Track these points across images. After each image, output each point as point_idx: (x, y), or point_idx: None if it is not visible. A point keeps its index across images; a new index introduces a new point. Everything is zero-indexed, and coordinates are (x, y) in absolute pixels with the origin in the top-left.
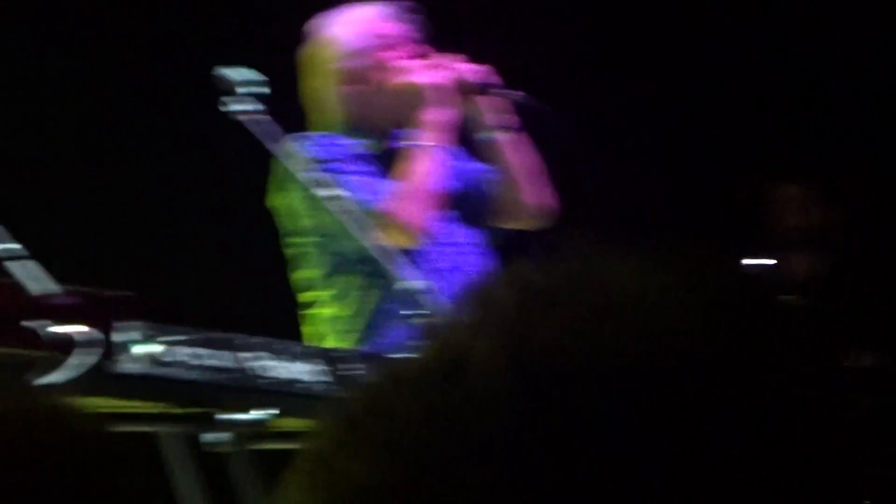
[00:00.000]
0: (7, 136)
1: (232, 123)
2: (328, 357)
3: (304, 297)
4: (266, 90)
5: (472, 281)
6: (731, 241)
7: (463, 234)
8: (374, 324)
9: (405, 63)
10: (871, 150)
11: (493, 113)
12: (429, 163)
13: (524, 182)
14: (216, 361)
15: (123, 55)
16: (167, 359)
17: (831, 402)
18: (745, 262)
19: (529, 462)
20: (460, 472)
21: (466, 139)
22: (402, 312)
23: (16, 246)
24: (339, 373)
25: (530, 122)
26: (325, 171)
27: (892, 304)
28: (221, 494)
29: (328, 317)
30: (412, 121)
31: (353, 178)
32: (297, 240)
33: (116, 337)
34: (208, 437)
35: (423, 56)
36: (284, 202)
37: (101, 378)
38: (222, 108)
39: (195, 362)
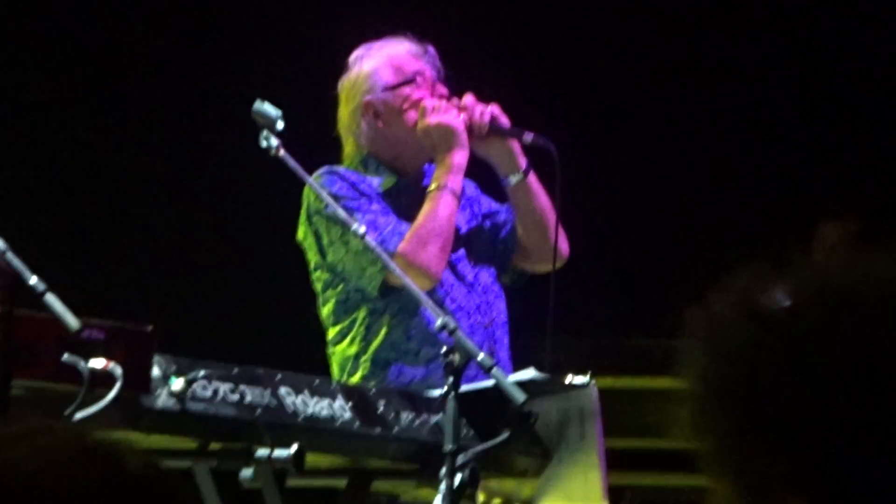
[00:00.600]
0: (22, 168)
1: (266, 157)
2: (360, 394)
3: (327, 333)
4: (283, 125)
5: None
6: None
7: (477, 273)
8: (381, 362)
9: (430, 102)
10: None
11: (517, 155)
12: (448, 206)
13: (550, 225)
14: (253, 397)
15: (151, 84)
16: (205, 394)
17: None
18: None
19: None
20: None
21: (488, 179)
22: (414, 350)
23: (39, 281)
24: (371, 410)
25: (539, 163)
26: (346, 206)
27: None
28: None
29: (338, 354)
30: (434, 160)
31: (372, 216)
32: (318, 275)
33: (154, 371)
34: (246, 472)
35: (444, 96)
36: (307, 237)
37: (139, 413)
38: (262, 143)
39: (232, 398)
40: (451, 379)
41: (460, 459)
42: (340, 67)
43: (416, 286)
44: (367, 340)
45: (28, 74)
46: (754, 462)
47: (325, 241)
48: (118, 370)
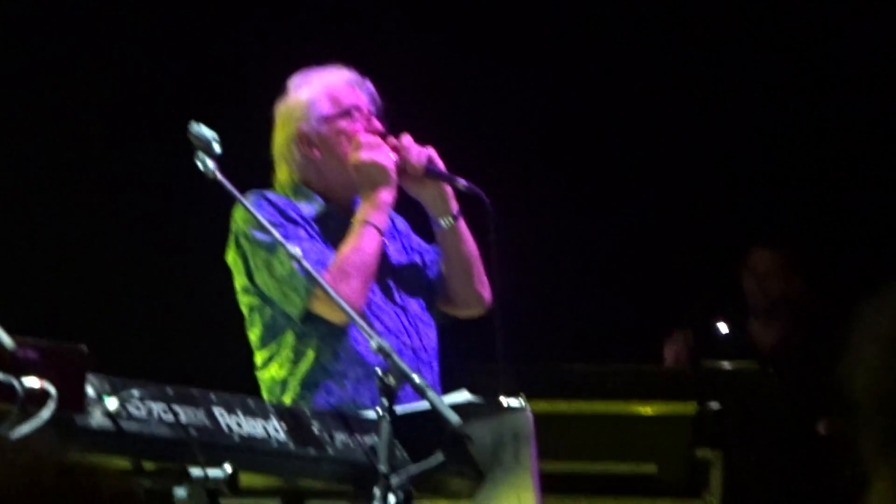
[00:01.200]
0: None
1: (200, 178)
2: (294, 415)
3: (255, 357)
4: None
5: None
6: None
7: (407, 300)
8: (309, 384)
9: (365, 137)
10: (843, 220)
11: (450, 199)
12: (372, 241)
13: (475, 271)
14: (188, 417)
15: (87, 106)
16: (139, 414)
17: None
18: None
19: None
20: None
21: (415, 222)
22: (342, 371)
23: None
24: (306, 431)
25: (469, 210)
26: (273, 231)
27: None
28: None
29: (266, 379)
30: (362, 196)
31: (296, 244)
32: (244, 298)
33: (89, 391)
34: (180, 492)
35: (379, 131)
36: (235, 259)
37: (74, 432)
38: (198, 165)
39: (167, 418)
40: (385, 401)
41: (394, 481)
42: (275, 90)
43: (331, 319)
44: (295, 363)
45: None
46: None
47: (251, 264)
48: (52, 389)
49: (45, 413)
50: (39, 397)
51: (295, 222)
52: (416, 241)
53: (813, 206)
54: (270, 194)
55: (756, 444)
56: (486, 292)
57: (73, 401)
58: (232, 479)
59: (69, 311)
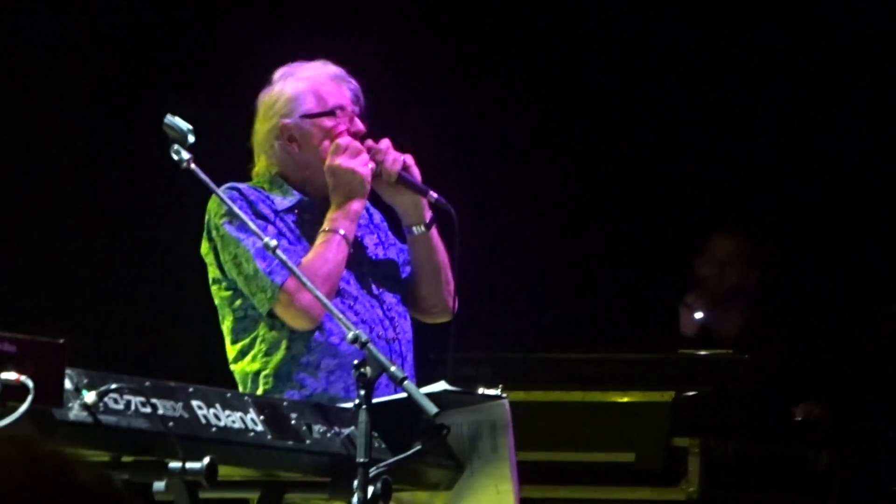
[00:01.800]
0: None
1: (175, 170)
2: (272, 407)
3: (227, 350)
4: (193, 139)
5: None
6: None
7: (383, 291)
8: (283, 376)
9: (344, 141)
10: (803, 207)
11: (423, 207)
12: (339, 251)
13: (444, 280)
14: (166, 410)
15: (63, 97)
16: (117, 407)
17: None
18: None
19: None
20: None
21: (391, 216)
22: (315, 362)
23: None
24: (284, 423)
25: (438, 220)
26: (247, 222)
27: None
28: None
29: (239, 371)
30: (333, 201)
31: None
32: (216, 290)
33: (67, 384)
34: (158, 485)
35: (361, 132)
36: (208, 252)
37: (52, 425)
38: (173, 156)
39: (145, 411)
40: (362, 391)
41: (372, 472)
42: (254, 83)
43: (293, 325)
44: (267, 356)
45: None
46: None
47: (222, 257)
48: (30, 383)
49: (23, 407)
50: (17, 391)
51: (266, 219)
52: (392, 237)
53: (775, 195)
54: (245, 188)
55: (733, 431)
56: (451, 300)
57: (51, 394)
58: (210, 472)
59: (47, 304)
